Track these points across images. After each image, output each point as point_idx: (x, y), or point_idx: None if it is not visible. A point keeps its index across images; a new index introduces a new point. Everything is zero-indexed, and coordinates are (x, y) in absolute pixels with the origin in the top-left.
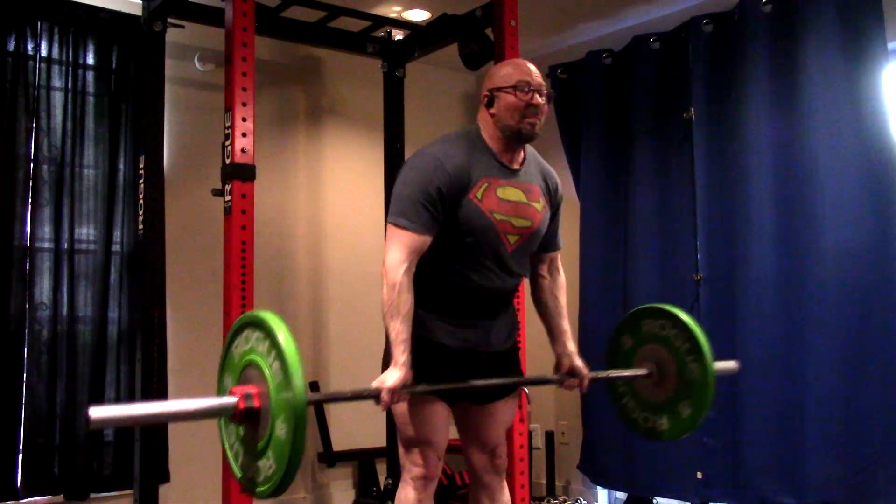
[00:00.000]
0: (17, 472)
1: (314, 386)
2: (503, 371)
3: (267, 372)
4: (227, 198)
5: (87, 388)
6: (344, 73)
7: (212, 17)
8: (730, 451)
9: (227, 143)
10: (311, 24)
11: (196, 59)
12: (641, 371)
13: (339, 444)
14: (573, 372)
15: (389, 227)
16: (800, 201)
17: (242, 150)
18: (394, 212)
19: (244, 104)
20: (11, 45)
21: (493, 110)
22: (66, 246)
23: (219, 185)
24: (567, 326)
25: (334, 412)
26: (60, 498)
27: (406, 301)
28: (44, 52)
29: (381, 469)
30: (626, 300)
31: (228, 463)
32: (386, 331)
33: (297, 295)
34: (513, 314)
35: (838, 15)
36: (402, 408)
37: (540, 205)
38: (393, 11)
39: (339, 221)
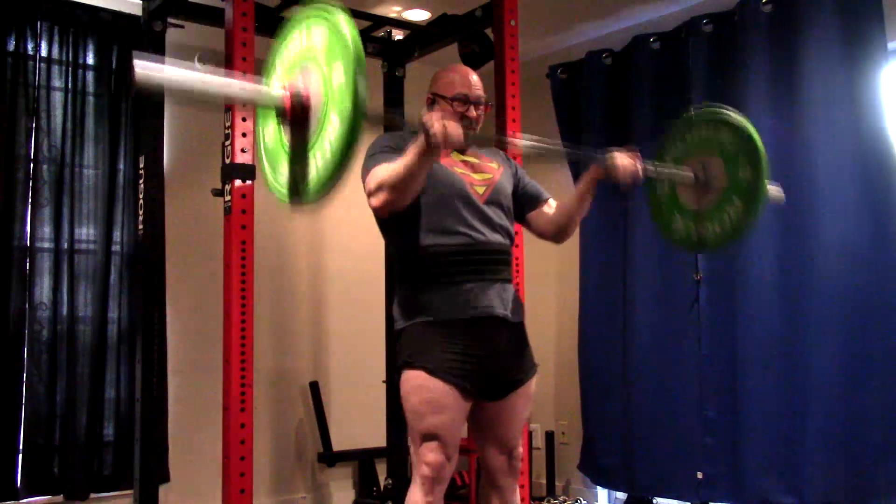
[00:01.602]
0: (17, 472)
1: (314, 386)
2: (517, 346)
3: (324, 64)
4: (227, 198)
5: (87, 388)
6: None
7: (212, 17)
8: (730, 450)
9: (227, 142)
10: None
11: (196, 59)
12: (688, 172)
13: (339, 444)
14: (625, 156)
15: (365, 175)
16: (800, 201)
17: (242, 150)
18: (365, 166)
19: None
20: (11, 45)
21: (429, 113)
22: (66, 246)
23: (219, 185)
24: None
25: (334, 412)
26: (60, 498)
27: (392, 178)
28: (44, 52)
29: (381, 469)
30: (626, 300)
31: (264, 176)
32: (398, 175)
33: (297, 295)
34: (514, 291)
35: (838, 15)
36: (414, 399)
37: (495, 164)
38: (393, 11)
39: (338, 221)
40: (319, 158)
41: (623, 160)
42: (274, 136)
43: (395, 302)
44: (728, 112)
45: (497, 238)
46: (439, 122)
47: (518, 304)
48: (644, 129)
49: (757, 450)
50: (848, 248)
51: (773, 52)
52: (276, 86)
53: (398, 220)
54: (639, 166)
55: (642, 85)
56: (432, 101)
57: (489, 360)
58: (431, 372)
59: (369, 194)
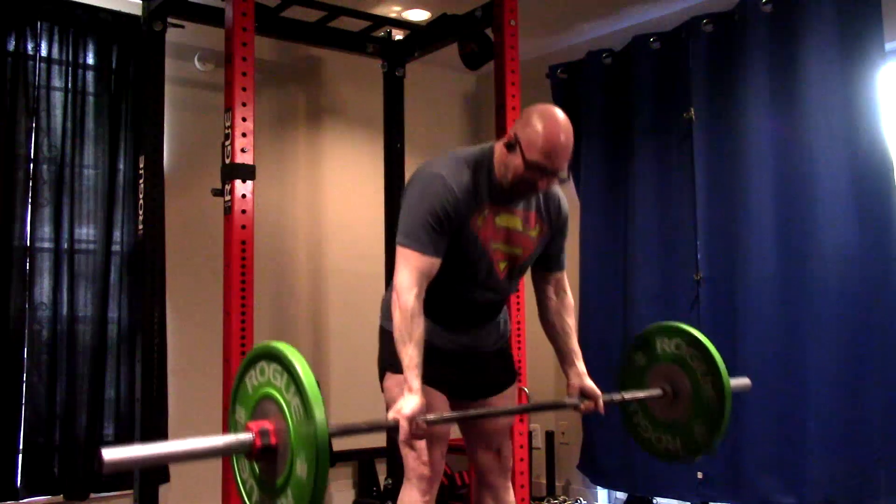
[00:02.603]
0: (17, 472)
1: None
2: (498, 366)
3: (285, 407)
4: (227, 197)
5: (87, 388)
6: (344, 73)
7: (212, 17)
8: (730, 450)
9: (227, 142)
10: (311, 24)
11: (196, 59)
12: (655, 392)
13: (338, 444)
14: (585, 394)
15: (399, 247)
16: (799, 201)
17: (242, 150)
18: (402, 231)
19: (244, 104)
20: (11, 45)
21: (507, 154)
22: (66, 246)
23: (219, 185)
24: (576, 346)
25: (334, 412)
26: (60, 498)
27: (418, 326)
28: (44, 52)
29: (381, 469)
30: (626, 300)
31: (241, 499)
32: (398, 355)
33: (297, 295)
34: (503, 320)
35: (837, 15)
36: (394, 397)
37: (535, 231)
38: (393, 11)
39: (339, 221)
40: (290, 495)
41: (587, 407)
42: (247, 470)
43: (385, 304)
44: (678, 325)
45: (502, 296)
46: (405, 427)
47: (505, 331)
48: (644, 129)
49: (757, 450)
50: (846, 248)
51: (772, 52)
52: (242, 427)
53: None
54: (601, 406)
55: (642, 85)
56: (511, 145)
57: (468, 374)
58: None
59: (395, 287)
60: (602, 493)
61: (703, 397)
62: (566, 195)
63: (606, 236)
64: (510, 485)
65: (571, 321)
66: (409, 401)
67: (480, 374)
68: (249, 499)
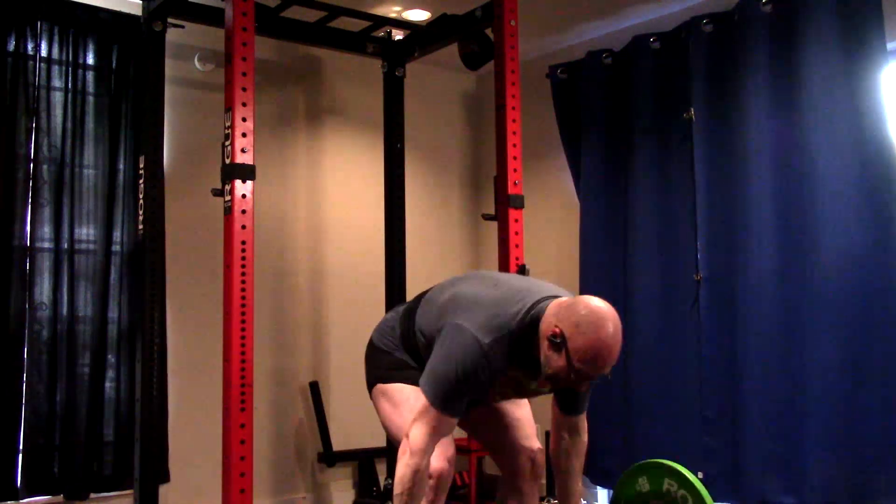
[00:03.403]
0: (17, 472)
1: (314, 386)
2: None
3: None
4: (227, 198)
5: (87, 388)
6: (344, 73)
7: (212, 17)
8: (730, 451)
9: (227, 142)
10: (311, 24)
11: (196, 59)
12: None
13: (339, 444)
14: None
15: (425, 399)
16: (800, 201)
17: (242, 150)
18: (434, 390)
19: (244, 104)
20: (11, 45)
21: (550, 347)
22: (66, 246)
23: (219, 185)
24: (577, 488)
25: (334, 412)
26: (60, 498)
27: (421, 488)
28: (44, 52)
29: (381, 469)
30: (626, 300)
31: None
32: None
33: (297, 295)
34: None
35: (838, 15)
36: (385, 406)
37: (546, 389)
38: (393, 11)
39: (339, 221)
40: None
41: None
42: None
43: (389, 326)
44: (668, 463)
45: None
46: None
47: None
48: (644, 130)
49: (757, 450)
50: (848, 248)
51: (772, 52)
52: None
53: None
54: None
55: (642, 85)
56: (557, 343)
57: None
58: (389, 379)
59: (411, 438)
60: (602, 493)
61: None
62: (565, 195)
63: (606, 236)
64: (537, 493)
65: (579, 463)
66: None
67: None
68: None
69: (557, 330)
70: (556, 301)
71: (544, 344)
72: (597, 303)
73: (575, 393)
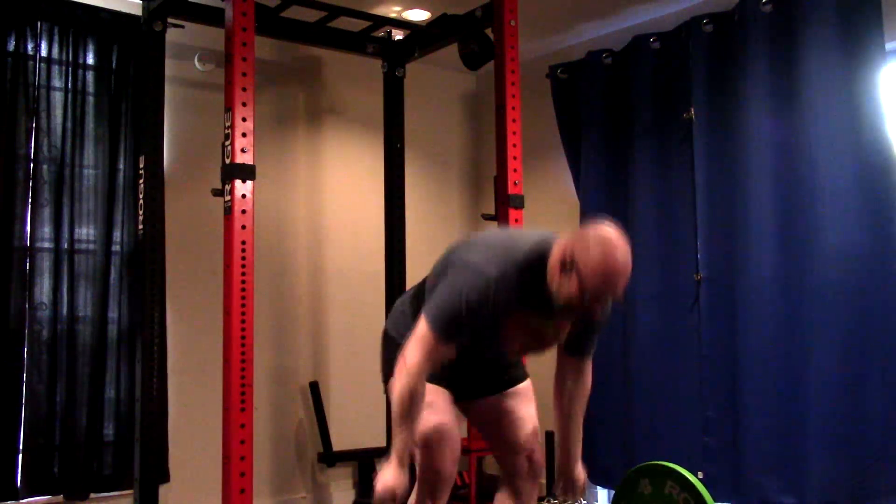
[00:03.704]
0: (17, 472)
1: (314, 386)
2: (501, 375)
3: None
4: (227, 198)
5: (87, 388)
6: (344, 73)
7: (212, 17)
8: (730, 450)
9: (227, 142)
10: (311, 24)
11: (196, 58)
12: None
13: (339, 444)
14: (566, 482)
15: (424, 321)
16: (799, 201)
17: (242, 150)
18: (433, 311)
19: (244, 104)
20: (11, 45)
21: (562, 273)
22: (66, 246)
23: (219, 185)
24: (578, 433)
25: (334, 412)
26: (60, 498)
27: (418, 406)
28: (44, 52)
29: None
30: (626, 300)
31: None
32: (392, 429)
33: (297, 295)
34: (516, 370)
35: (837, 15)
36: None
37: (565, 330)
38: (393, 11)
39: (339, 221)
40: None
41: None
42: None
43: (399, 310)
44: (671, 466)
45: (513, 361)
46: (384, 490)
47: (519, 373)
48: (644, 129)
49: (757, 450)
50: (847, 248)
51: (772, 52)
52: None
53: None
54: (582, 489)
55: (642, 85)
56: (567, 267)
57: (473, 377)
58: None
59: (408, 358)
60: (602, 493)
61: None
62: (565, 195)
63: None
64: (535, 492)
65: (581, 408)
66: (387, 474)
67: (488, 374)
68: None
69: (568, 254)
70: (566, 234)
71: (555, 272)
72: (605, 226)
73: (585, 331)
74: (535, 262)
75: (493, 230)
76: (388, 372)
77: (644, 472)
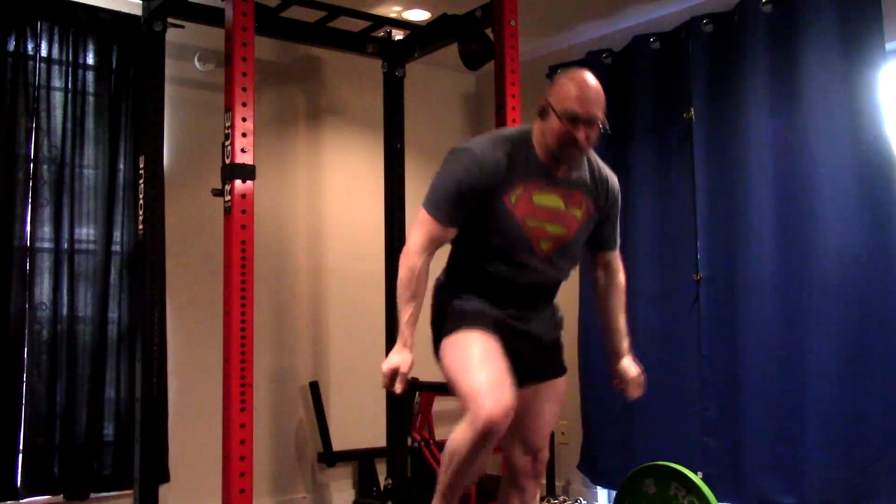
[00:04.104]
0: (17, 472)
1: (314, 386)
2: (552, 353)
3: None
4: (227, 198)
5: (87, 388)
6: (344, 73)
7: (212, 17)
8: (730, 451)
9: (227, 142)
10: (310, 24)
11: (196, 58)
12: None
13: (339, 444)
14: (618, 375)
15: (420, 210)
16: (800, 201)
17: (242, 150)
18: (428, 197)
19: (244, 104)
20: (11, 45)
21: (542, 122)
22: (66, 246)
23: (219, 185)
24: (621, 324)
25: (334, 412)
26: (60, 498)
27: (422, 283)
28: (44, 53)
29: (381, 469)
30: (625, 300)
31: None
32: (398, 309)
33: (297, 295)
34: (555, 312)
35: (837, 15)
36: (451, 357)
37: (581, 210)
38: (393, 11)
39: (339, 221)
40: None
41: (617, 384)
42: None
43: (446, 274)
44: (675, 467)
45: (551, 278)
46: (389, 369)
47: (557, 325)
48: (644, 129)
49: (757, 450)
50: (847, 248)
51: (772, 52)
52: None
53: (461, 236)
54: (628, 389)
55: (642, 85)
56: (543, 110)
57: (522, 353)
58: (462, 327)
59: (408, 244)
60: (602, 493)
61: None
62: None
63: None
64: (538, 490)
65: (619, 301)
66: (399, 355)
67: (533, 354)
68: None
69: (542, 101)
70: None
71: (538, 125)
72: (573, 68)
73: (604, 226)
74: (522, 134)
75: None
76: (435, 335)
77: (648, 472)
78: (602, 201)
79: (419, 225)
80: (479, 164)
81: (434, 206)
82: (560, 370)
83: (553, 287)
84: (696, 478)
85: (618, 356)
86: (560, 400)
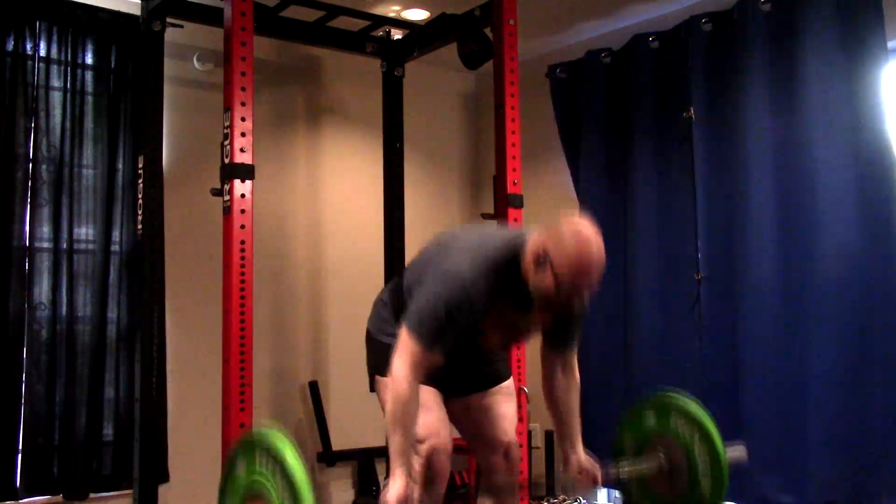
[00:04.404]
0: (16, 472)
1: (313, 386)
2: (487, 372)
3: (275, 497)
4: (227, 197)
5: (87, 388)
6: (343, 72)
7: (211, 16)
8: None
9: (226, 142)
10: (309, 24)
11: (195, 58)
12: (652, 467)
13: (338, 443)
14: (583, 469)
15: (406, 331)
16: (800, 200)
17: (241, 150)
18: (413, 319)
19: (243, 104)
20: (10, 45)
21: (533, 272)
22: (65, 246)
23: (218, 185)
24: (577, 425)
25: (334, 412)
26: (60, 498)
27: (411, 413)
28: (42, 52)
29: (381, 469)
30: (626, 300)
31: None
32: (386, 440)
33: (297, 295)
34: (501, 366)
35: (837, 14)
36: (385, 394)
37: (542, 323)
38: (392, 11)
39: (338, 221)
40: None
41: (584, 482)
42: None
43: (379, 307)
44: (675, 397)
45: (496, 358)
46: (398, 499)
47: (503, 370)
48: (643, 129)
49: (757, 449)
50: (848, 248)
51: (772, 51)
52: None
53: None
54: (599, 480)
55: (641, 84)
56: (541, 262)
57: (462, 374)
58: None
59: (395, 371)
60: (602, 493)
61: (697, 490)
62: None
63: (606, 236)
64: (517, 488)
65: (576, 401)
66: (394, 486)
67: (474, 371)
68: None
69: (541, 248)
70: (538, 230)
71: (530, 268)
72: (578, 220)
73: (565, 325)
74: (509, 258)
75: (466, 227)
76: (372, 370)
77: (649, 404)
78: (571, 315)
79: (405, 349)
80: (471, 298)
81: (421, 334)
82: (503, 377)
83: (499, 359)
84: (697, 407)
85: (577, 454)
86: (511, 395)
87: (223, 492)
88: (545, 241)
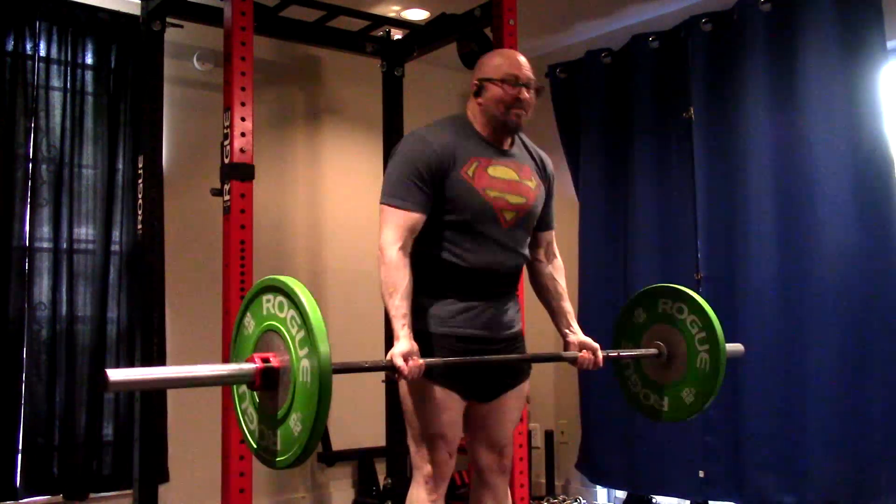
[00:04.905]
0: (16, 472)
1: None
2: (507, 369)
3: (289, 339)
4: (226, 197)
5: (87, 388)
6: (343, 72)
7: (211, 16)
8: (731, 449)
9: (226, 142)
10: (309, 24)
11: (195, 58)
12: (651, 351)
13: (338, 443)
14: (583, 347)
15: (382, 208)
16: (799, 200)
17: (241, 150)
18: (385, 192)
19: (243, 104)
20: (10, 45)
21: (480, 99)
22: (65, 246)
23: (218, 185)
24: (569, 307)
25: (334, 412)
26: (60, 498)
27: (403, 277)
28: (42, 52)
29: (381, 469)
30: (626, 300)
31: (243, 435)
32: (385, 309)
33: None
34: (517, 299)
35: (837, 14)
36: (412, 401)
37: (533, 183)
38: (392, 11)
39: (338, 221)
40: (294, 423)
41: (584, 359)
42: (248, 400)
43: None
44: (684, 290)
45: (513, 262)
46: (400, 365)
47: (518, 316)
48: (643, 129)
49: (758, 449)
50: (847, 247)
51: (772, 51)
52: (245, 359)
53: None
54: (599, 359)
55: (641, 84)
56: (479, 88)
57: (483, 373)
58: (430, 377)
59: (380, 245)
60: (601, 493)
61: (697, 365)
62: (565, 195)
63: (606, 235)
64: (508, 486)
65: (563, 282)
66: (399, 345)
67: (495, 371)
68: (252, 434)
69: (474, 82)
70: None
71: (474, 105)
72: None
73: (545, 211)
74: (459, 117)
75: None
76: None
77: (635, 304)
78: (543, 175)
79: (385, 220)
80: (429, 143)
81: (393, 196)
82: (524, 373)
83: (516, 270)
84: (681, 287)
85: (576, 333)
86: (523, 399)
87: (236, 335)
88: (473, 78)
